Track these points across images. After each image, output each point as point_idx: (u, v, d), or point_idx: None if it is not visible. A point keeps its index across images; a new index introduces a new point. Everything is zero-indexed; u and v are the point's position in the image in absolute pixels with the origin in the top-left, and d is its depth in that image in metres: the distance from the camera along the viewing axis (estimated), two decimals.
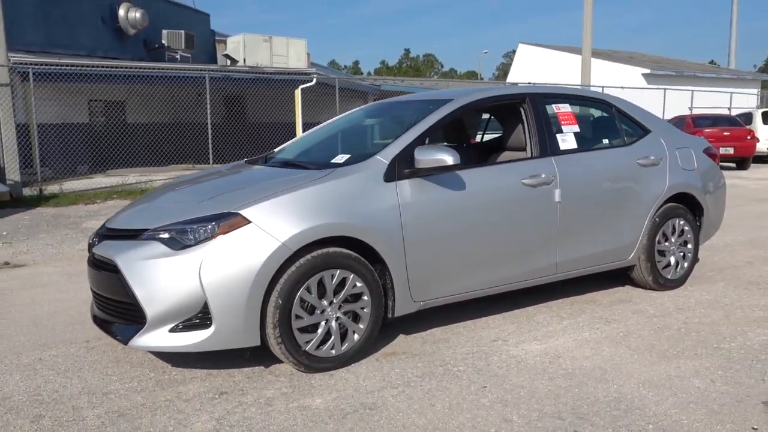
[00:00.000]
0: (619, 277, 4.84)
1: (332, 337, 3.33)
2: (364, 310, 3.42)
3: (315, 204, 3.28)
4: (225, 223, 3.12)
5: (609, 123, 4.76)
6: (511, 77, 43.68)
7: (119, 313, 3.27)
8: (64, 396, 3.08)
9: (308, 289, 3.22)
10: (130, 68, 16.69)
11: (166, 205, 3.58)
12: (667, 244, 4.74)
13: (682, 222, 4.79)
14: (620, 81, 26.63)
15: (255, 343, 3.16)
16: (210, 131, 14.46)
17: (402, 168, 3.55)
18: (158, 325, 3.07)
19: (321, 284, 3.27)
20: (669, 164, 4.71)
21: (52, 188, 11.80)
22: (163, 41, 21.58)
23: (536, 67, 38.68)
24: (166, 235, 3.14)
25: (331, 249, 3.29)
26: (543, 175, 4.02)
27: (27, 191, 11.40)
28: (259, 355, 3.46)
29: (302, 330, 3.24)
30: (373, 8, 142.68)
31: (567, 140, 4.29)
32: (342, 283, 3.33)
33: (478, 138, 5.47)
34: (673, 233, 4.77)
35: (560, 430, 2.68)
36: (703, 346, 3.65)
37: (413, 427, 2.72)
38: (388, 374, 3.29)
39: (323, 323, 3.30)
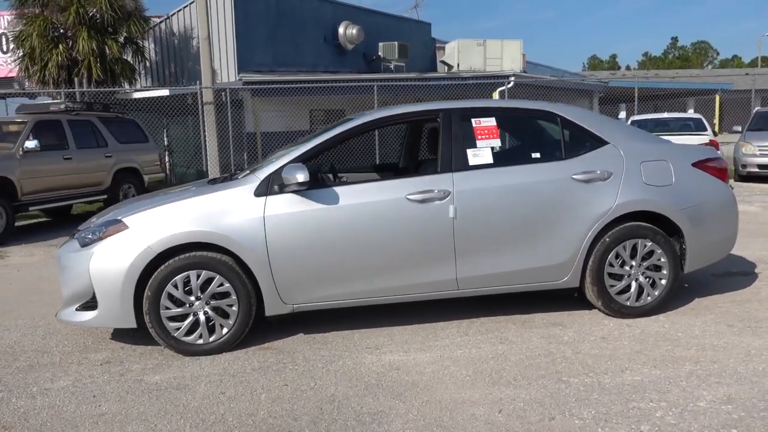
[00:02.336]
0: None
1: (200, 328, 3.94)
2: (232, 308, 3.96)
3: (185, 215, 3.92)
4: (112, 227, 3.94)
5: (548, 136, 4.48)
6: None
7: None
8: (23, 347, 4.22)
9: (175, 285, 3.88)
10: (345, 80, 18.49)
11: (111, 210, 4.52)
12: (626, 268, 4.30)
13: (649, 243, 4.29)
14: None
15: (132, 326, 3.92)
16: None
17: (274, 184, 3.99)
18: (69, 304, 4.02)
19: (188, 282, 3.90)
20: (623, 179, 4.27)
21: None
22: (380, 53, 23.48)
23: None
24: (80, 235, 4.07)
25: (198, 253, 3.90)
26: (435, 191, 4.06)
27: None
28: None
29: (171, 318, 3.91)
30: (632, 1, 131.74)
31: (479, 155, 4.22)
32: (209, 282, 3.91)
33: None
34: (633, 256, 4.30)
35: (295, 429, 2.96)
36: (555, 377, 3.42)
37: (194, 409, 3.23)
38: (237, 365, 3.79)
39: (191, 315, 3.93)
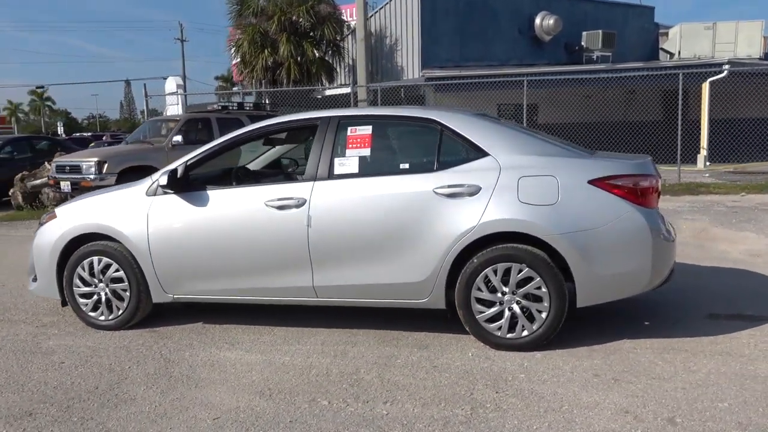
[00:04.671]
0: None
1: (102, 306, 4.58)
2: (126, 292, 4.53)
3: (94, 208, 4.59)
4: (50, 215, 4.77)
5: (426, 145, 4.14)
6: None
7: None
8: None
9: (83, 268, 4.57)
10: (530, 74, 17.97)
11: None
12: (498, 294, 3.86)
13: (525, 269, 3.80)
14: None
15: (57, 297, 4.70)
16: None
17: (159, 186, 4.44)
18: (29, 276, 4.97)
19: (92, 266, 4.56)
20: (493, 195, 3.82)
21: None
22: (582, 43, 22.22)
23: None
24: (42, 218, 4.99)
25: (101, 242, 4.53)
26: (293, 199, 4.12)
27: None
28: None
29: (82, 296, 4.61)
30: None
31: (345, 164, 4.14)
32: (108, 267, 4.53)
33: None
34: (506, 282, 3.85)
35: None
36: (316, 397, 3.33)
37: (44, 368, 3.90)
38: (114, 341, 4.35)
39: (95, 294, 4.59)
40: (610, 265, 3.77)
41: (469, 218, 3.84)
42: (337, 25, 19.56)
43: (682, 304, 4.76)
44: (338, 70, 21.08)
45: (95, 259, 4.54)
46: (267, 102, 16.35)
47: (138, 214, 4.43)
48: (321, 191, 4.11)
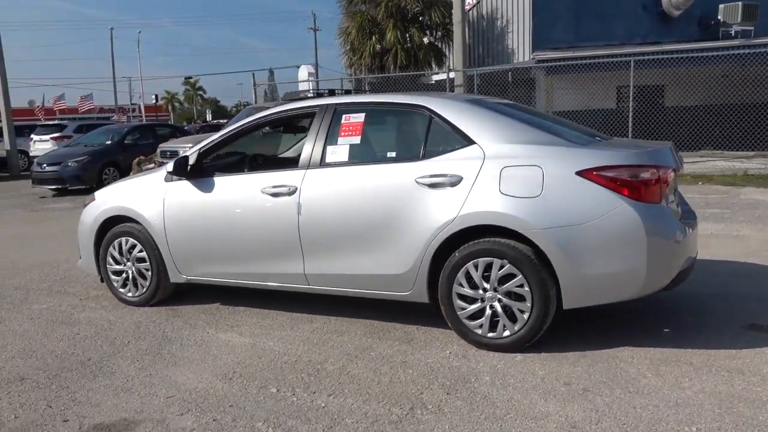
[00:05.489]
0: None
1: (129, 284, 4.92)
2: (148, 272, 4.82)
3: (122, 192, 4.92)
4: (90, 197, 5.18)
5: (414, 133, 3.95)
6: None
7: None
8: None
9: (114, 247, 4.93)
10: (652, 53, 16.67)
11: None
12: (480, 291, 3.66)
13: (507, 265, 3.56)
14: None
15: (96, 274, 5.11)
16: None
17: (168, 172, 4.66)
18: (78, 253, 5.44)
19: (121, 246, 4.90)
20: (474, 186, 3.60)
21: None
22: (719, 17, 20.26)
23: None
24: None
25: (128, 223, 4.86)
26: (285, 186, 4.16)
27: None
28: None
29: (114, 273, 4.98)
30: None
31: (337, 152, 4.09)
32: (133, 247, 4.85)
33: None
34: (487, 279, 3.63)
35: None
36: (267, 385, 3.36)
37: (70, 337, 4.30)
38: (134, 317, 4.66)
39: (124, 272, 4.93)
40: (598, 265, 3.42)
41: (449, 210, 3.66)
42: (445, 8, 19.27)
43: (721, 310, 4.24)
44: (448, 54, 20.80)
45: (123, 239, 4.87)
46: (367, 89, 16.49)
47: (156, 198, 4.69)
48: (311, 179, 4.11)
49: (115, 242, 4.91)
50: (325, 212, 4.04)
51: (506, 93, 16.91)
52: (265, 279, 4.39)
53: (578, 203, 3.43)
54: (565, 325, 3.92)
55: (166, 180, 4.69)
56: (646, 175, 3.43)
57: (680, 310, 4.31)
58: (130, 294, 4.94)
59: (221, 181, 4.48)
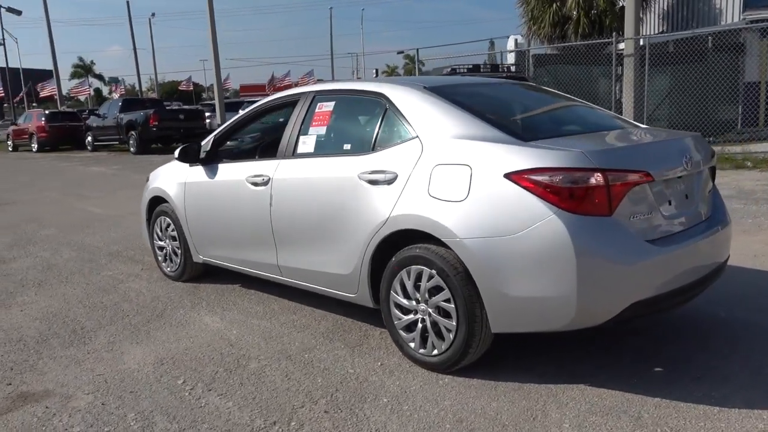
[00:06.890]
0: None
1: (168, 259, 5.31)
2: (179, 250, 5.15)
3: (163, 175, 5.28)
4: (149, 176, 5.66)
5: (372, 123, 3.57)
6: None
7: None
8: None
9: (157, 224, 5.35)
10: None
11: None
12: (413, 302, 3.30)
13: (436, 276, 3.16)
14: None
15: (149, 246, 5.60)
16: None
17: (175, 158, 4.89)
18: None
19: (161, 224, 5.30)
20: (407, 185, 3.22)
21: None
22: None
23: None
24: None
25: (165, 204, 5.23)
26: (261, 176, 4.12)
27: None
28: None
29: (158, 248, 5.42)
30: None
31: (307, 143, 3.93)
32: (169, 226, 5.21)
33: None
34: (417, 288, 3.25)
35: None
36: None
37: (112, 305, 4.84)
38: (166, 289, 5.03)
39: (164, 248, 5.33)
40: (523, 286, 2.87)
41: (382, 210, 3.34)
42: None
43: (751, 345, 3.32)
44: (643, 17, 18.62)
45: (162, 218, 5.26)
46: (507, 64, 15.35)
47: (180, 181, 4.97)
48: (282, 170, 4.02)
49: (158, 220, 5.32)
50: (289, 204, 3.95)
51: (703, 62, 14.70)
52: (253, 267, 4.43)
53: (504, 211, 2.89)
54: (537, 348, 3.39)
55: (189, 164, 4.94)
56: (589, 180, 2.77)
57: (709, 342, 3.45)
58: (168, 269, 5.33)
59: (223, 168, 4.59)
